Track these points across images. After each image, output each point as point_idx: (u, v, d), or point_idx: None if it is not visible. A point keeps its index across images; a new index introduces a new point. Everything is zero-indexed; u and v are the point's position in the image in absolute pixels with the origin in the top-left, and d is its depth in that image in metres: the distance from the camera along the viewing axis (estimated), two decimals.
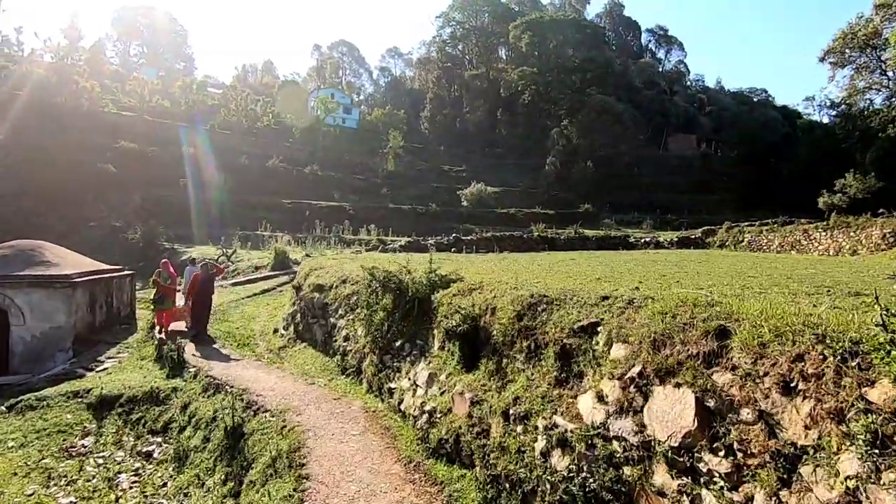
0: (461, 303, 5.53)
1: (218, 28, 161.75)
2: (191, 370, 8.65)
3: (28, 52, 50.33)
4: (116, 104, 48.30)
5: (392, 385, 6.25)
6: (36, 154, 35.74)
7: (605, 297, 3.77)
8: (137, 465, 6.65)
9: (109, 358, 10.76)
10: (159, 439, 7.25)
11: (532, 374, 3.91)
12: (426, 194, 52.66)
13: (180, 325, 12.31)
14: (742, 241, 28.07)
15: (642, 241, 30.23)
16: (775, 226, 27.86)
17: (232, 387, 7.32)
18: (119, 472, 6.43)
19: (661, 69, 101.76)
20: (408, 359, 6.27)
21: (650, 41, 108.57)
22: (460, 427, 4.33)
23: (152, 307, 12.92)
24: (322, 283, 10.27)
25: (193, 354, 10.38)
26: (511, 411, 3.84)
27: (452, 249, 20.91)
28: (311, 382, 7.58)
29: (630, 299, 3.52)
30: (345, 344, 8.28)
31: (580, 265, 11.44)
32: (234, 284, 18.04)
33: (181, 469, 6.23)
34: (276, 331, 11.87)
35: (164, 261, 13.67)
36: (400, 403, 5.85)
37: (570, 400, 3.42)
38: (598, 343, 3.48)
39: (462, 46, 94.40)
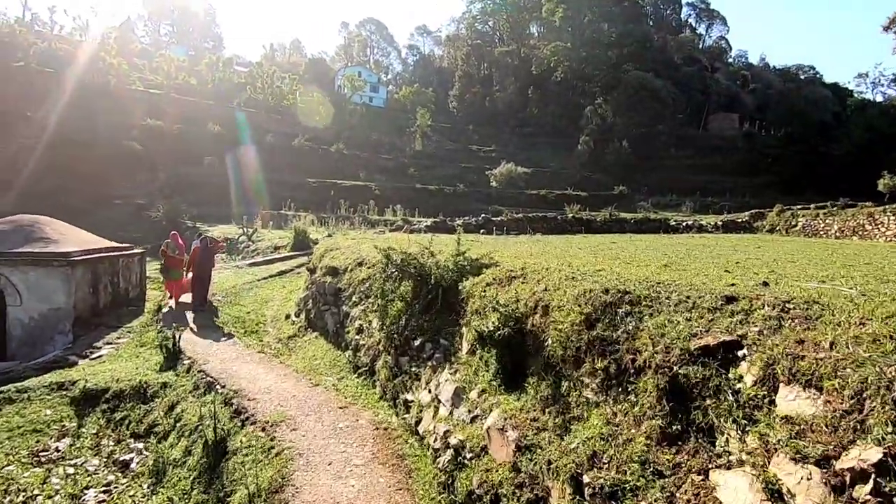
0: (499, 296, 4.24)
1: (247, 7, 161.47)
2: (185, 362, 7.63)
3: (57, 30, 50.43)
4: (144, 82, 48.05)
5: (409, 397, 5.04)
6: (64, 131, 35.63)
7: (731, 299, 2.43)
8: (111, 477, 5.64)
9: (108, 344, 9.88)
10: (141, 445, 6.23)
11: (615, 414, 2.62)
12: (454, 174, 51.24)
13: (189, 297, 12.38)
14: (795, 225, 25.87)
15: (684, 224, 28.30)
16: (834, 209, 25.54)
17: (224, 386, 6.23)
18: (87, 487, 5.43)
19: (701, 45, 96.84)
20: (429, 363, 5.02)
21: (690, 15, 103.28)
22: (500, 482, 3.06)
23: (162, 278, 13.61)
24: (336, 266, 9.10)
25: (195, 333, 9.40)
26: (586, 478, 2.54)
27: (481, 231, 19.56)
28: (316, 383, 6.43)
29: (783, 304, 2.18)
30: (357, 337, 7.10)
31: (628, 249, 10.02)
32: (252, 265, 17.14)
33: (157, 487, 5.17)
34: (287, 317, 10.81)
35: (172, 233, 13.95)
36: (418, 424, 4.63)
37: (698, 478, 2.11)
38: (740, 377, 2.15)
39: (492, 22, 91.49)
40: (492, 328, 3.76)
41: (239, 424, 5.26)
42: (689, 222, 28.80)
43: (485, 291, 4.78)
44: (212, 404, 5.50)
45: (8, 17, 45.68)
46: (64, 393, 7.57)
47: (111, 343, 9.96)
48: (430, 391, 4.69)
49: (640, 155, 54.71)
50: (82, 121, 37.74)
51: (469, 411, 3.83)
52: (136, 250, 13.77)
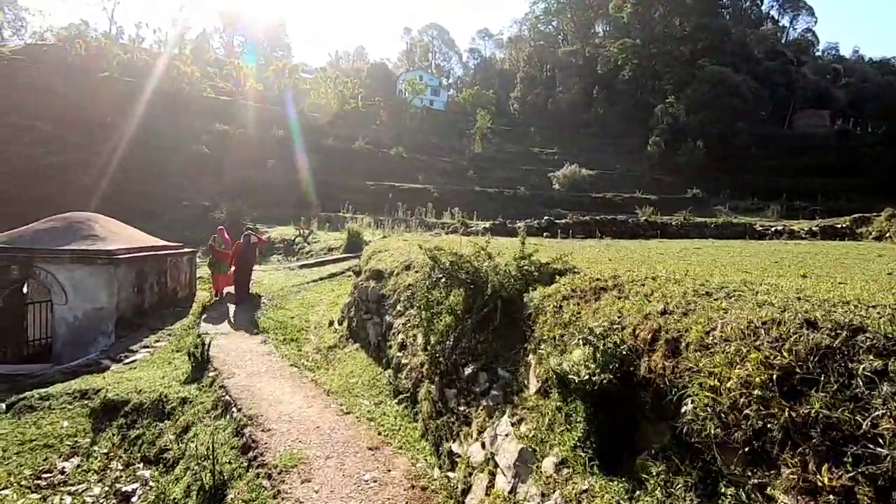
0: (585, 316, 2.94)
1: (315, 18, 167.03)
2: (210, 374, 6.79)
3: (140, 42, 53.49)
4: (215, 89, 49.94)
5: (455, 447, 3.83)
6: (139, 136, 37.35)
7: None
8: None
9: (145, 347, 9.34)
10: (148, 473, 5.38)
11: None
12: (514, 177, 49.71)
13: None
14: None
15: (772, 229, 25.39)
16: None
17: (240, 409, 5.26)
18: None
19: (785, 38, 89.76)
20: (482, 401, 3.78)
21: (773, 7, 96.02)
22: None
23: (210, 271, 13.68)
24: (381, 269, 8.04)
25: (232, 327, 8.63)
26: None
27: (545, 234, 18.05)
28: (348, 410, 5.33)
29: None
30: (399, 354, 5.96)
31: (723, 256, 8.38)
32: (302, 267, 16.56)
33: None
34: (331, 323, 9.89)
35: (220, 227, 14.40)
36: (465, 494, 3.38)
37: None
38: None
39: (556, 22, 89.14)
40: (580, 371, 2.47)
41: (244, 465, 4.24)
42: (778, 228, 25.81)
43: (561, 307, 3.48)
44: (218, 433, 4.50)
45: (97, 32, 48.87)
46: (85, 403, 6.93)
47: (148, 346, 9.40)
48: (483, 445, 3.45)
49: (717, 155, 50.79)
50: (156, 127, 39.45)
51: (542, 494, 2.55)
52: (185, 249, 13.38)
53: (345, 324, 9.03)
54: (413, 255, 7.91)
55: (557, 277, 4.25)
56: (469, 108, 63.85)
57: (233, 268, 12.31)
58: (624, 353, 2.39)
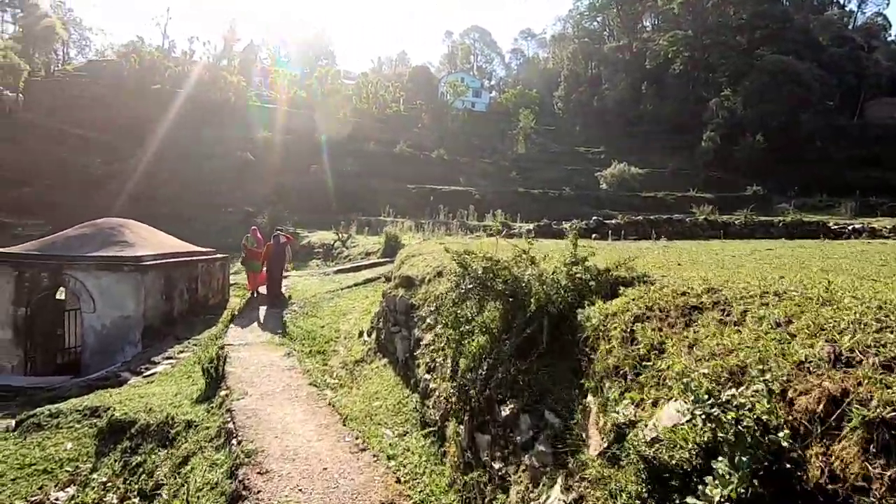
0: (678, 351, 1.97)
1: (358, 25, 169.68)
2: (222, 393, 6.12)
3: (191, 55, 55.29)
4: (260, 98, 50.92)
5: None
6: (186, 144, 38.33)
7: None
8: None
9: (168, 358, 8.87)
10: None
11: None
12: (559, 178, 48.15)
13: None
14: None
15: (849, 228, 23.07)
16: None
17: (241, 441, 4.50)
18: None
19: (852, 24, 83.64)
20: (525, 457, 2.84)
21: None
22: None
23: (244, 270, 14.33)
24: (411, 276, 7.21)
25: (260, 326, 7.98)
26: None
27: (593, 235, 16.80)
28: (363, 445, 4.48)
29: None
30: (427, 377, 5.09)
31: (809, 259, 7.09)
32: (338, 272, 16.00)
33: None
34: (361, 334, 9.14)
35: (253, 227, 14.89)
36: None
37: None
38: None
39: (601, 18, 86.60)
40: (678, 450, 1.48)
41: None
42: (856, 226, 23.42)
43: (632, 332, 2.51)
44: (211, 472, 3.74)
45: (151, 47, 50.82)
46: (93, 421, 6.42)
47: (171, 358, 8.93)
48: None
49: (778, 150, 47.40)
50: (204, 135, 40.40)
51: None
52: (217, 255, 13.02)
53: (374, 335, 8.25)
54: (446, 260, 7.04)
55: (622, 289, 3.26)
56: (512, 109, 62.65)
57: (265, 268, 12.80)
58: (784, 444, 1.39)
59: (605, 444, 2.26)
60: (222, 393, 6.15)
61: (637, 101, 69.32)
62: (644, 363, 2.30)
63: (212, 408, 5.91)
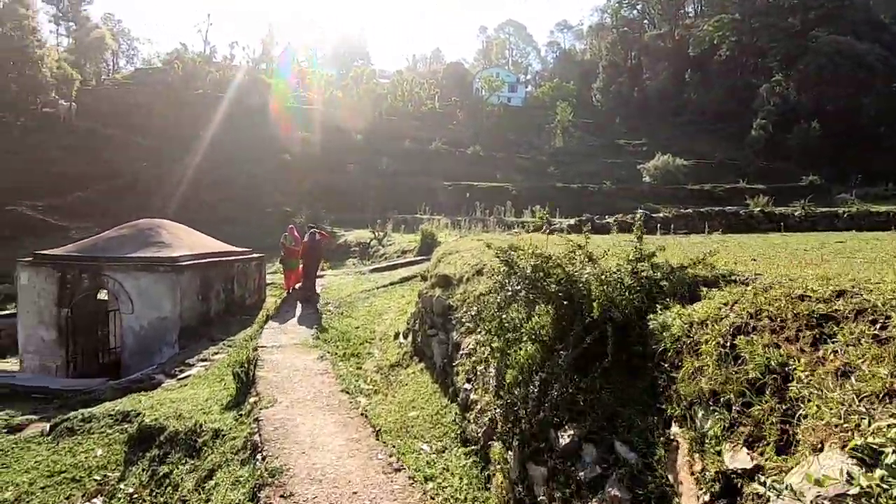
0: (824, 383, 1.41)
1: (393, 25, 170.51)
2: (251, 400, 5.83)
3: (231, 60, 56.62)
4: (298, 99, 51.59)
5: None
6: (227, 146, 39.13)
7: None
8: None
9: (202, 360, 8.72)
10: None
11: None
12: (598, 171, 46.79)
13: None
14: None
15: None
16: None
17: (265, 458, 4.14)
18: None
19: None
20: (593, 501, 2.30)
21: None
22: None
23: (282, 268, 14.75)
24: (449, 275, 6.75)
25: (295, 322, 7.69)
26: None
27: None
28: (398, 465, 4.03)
29: None
30: (468, 388, 4.61)
31: None
32: (374, 271, 15.71)
33: None
34: (396, 336, 8.75)
35: (290, 226, 15.20)
36: None
37: None
38: None
39: (641, 6, 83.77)
40: None
41: None
42: None
43: (734, 346, 1.95)
44: (233, 492, 3.37)
45: (193, 53, 52.29)
46: (124, 427, 6.25)
47: (206, 360, 8.77)
48: None
49: (836, 136, 44.55)
50: (243, 137, 41.17)
51: None
52: (254, 255, 12.91)
53: (410, 338, 7.83)
54: (486, 257, 6.53)
55: (704, 290, 2.67)
56: (548, 102, 61.39)
57: (301, 264, 13.07)
58: None
59: (707, 498, 1.72)
60: (251, 399, 5.84)
61: (680, 91, 66.75)
62: (758, 391, 1.74)
63: (241, 415, 5.61)
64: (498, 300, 3.38)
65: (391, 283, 14.04)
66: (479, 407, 4.17)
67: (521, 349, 3.30)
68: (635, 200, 38.72)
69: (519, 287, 3.18)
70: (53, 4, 50.17)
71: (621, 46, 76.80)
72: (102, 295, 11.37)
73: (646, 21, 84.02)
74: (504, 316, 3.34)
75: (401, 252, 19.34)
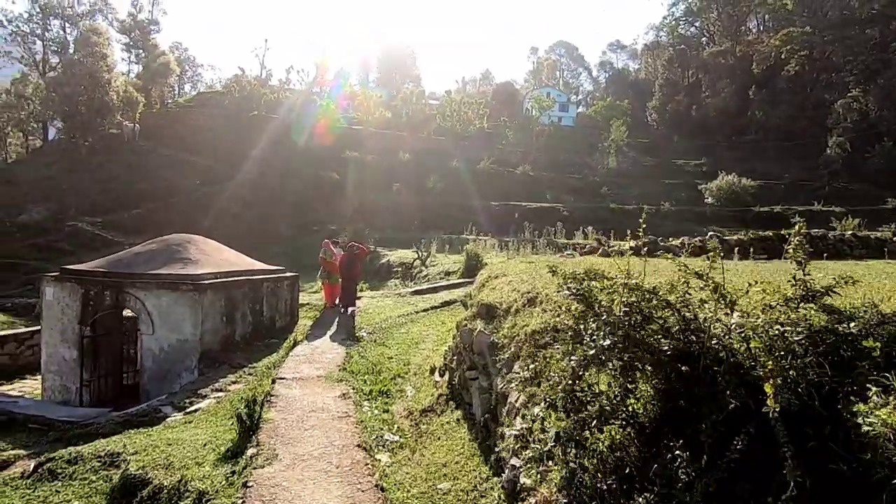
0: None
1: (443, 48, 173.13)
2: (249, 451, 4.79)
3: (287, 83, 58.20)
4: (348, 120, 52.17)
5: None
6: (278, 166, 39.68)
7: None
8: None
9: (217, 391, 7.82)
10: None
11: None
12: (655, 192, 44.45)
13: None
14: None
15: None
16: None
17: None
18: None
19: None
20: None
21: None
22: None
23: (321, 282, 15.32)
24: (493, 304, 5.58)
25: (317, 364, 6.67)
26: None
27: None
28: None
29: None
30: (517, 465, 3.37)
31: None
32: (414, 293, 14.67)
33: None
34: (433, 371, 7.58)
35: (325, 240, 15.38)
36: None
37: None
38: None
39: (699, 23, 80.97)
40: None
41: None
42: None
43: None
44: None
45: (250, 76, 54.08)
46: (110, 473, 5.33)
47: (221, 390, 7.87)
48: None
49: None
50: (293, 156, 41.72)
51: None
52: (286, 274, 12.13)
53: (446, 376, 6.63)
54: (540, 283, 5.32)
55: None
56: (601, 122, 59.54)
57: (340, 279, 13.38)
58: None
59: None
60: (249, 452, 4.80)
61: (743, 109, 63.32)
62: None
63: (233, 473, 4.56)
64: (571, 363, 2.15)
65: (432, 307, 12.95)
66: (536, 500, 2.92)
67: (602, 436, 2.06)
68: (696, 223, 36.34)
69: (606, 342, 1.95)
70: (126, 34, 53.42)
71: (678, 64, 74.10)
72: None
73: (704, 38, 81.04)
74: (578, 387, 2.11)
75: (444, 274, 18.27)
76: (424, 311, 12.68)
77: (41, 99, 39.86)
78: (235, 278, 10.18)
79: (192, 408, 7.18)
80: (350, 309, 12.47)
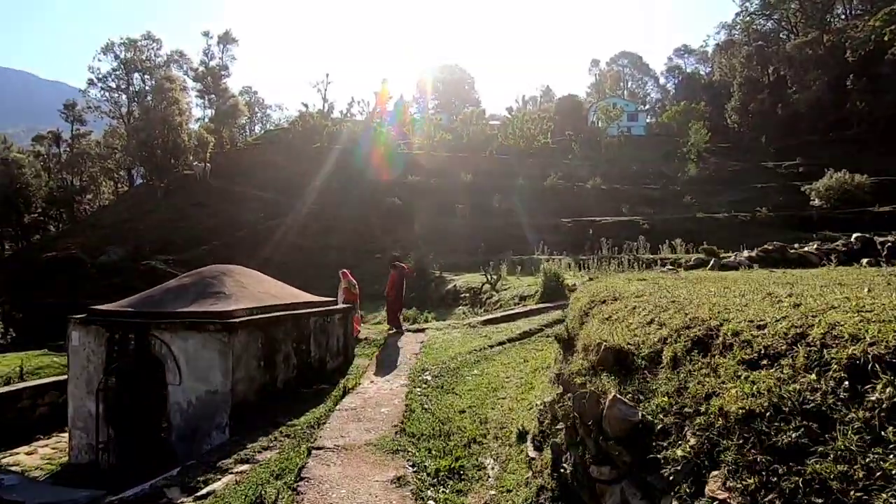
0: None
1: (501, 70, 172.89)
2: None
3: (349, 115, 59.06)
4: (408, 145, 51.71)
5: None
6: (341, 195, 39.32)
7: None
8: None
9: (241, 461, 6.07)
10: None
11: None
12: (746, 199, 40.09)
13: None
14: None
15: None
16: None
17: None
18: None
19: None
20: None
21: None
22: None
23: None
24: (624, 348, 3.38)
25: (365, 420, 4.74)
26: None
27: (864, 261, 11.01)
28: None
29: None
30: None
31: None
32: (485, 323, 12.56)
33: None
34: (521, 437, 5.46)
35: (343, 271, 14.51)
36: None
37: None
38: None
39: (778, 16, 74.90)
40: None
41: None
42: None
43: None
44: None
45: (313, 110, 55.27)
46: None
47: (247, 460, 6.12)
48: None
49: None
50: (354, 185, 41.34)
51: None
52: (338, 306, 10.45)
53: (546, 453, 4.43)
54: (705, 310, 3.13)
55: None
56: (676, 128, 55.50)
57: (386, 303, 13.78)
58: None
59: None
60: None
61: (839, 101, 56.99)
62: None
63: None
64: None
65: (509, 340, 10.79)
66: None
67: None
68: (801, 230, 31.79)
69: None
70: (199, 81, 56.48)
71: (758, 61, 68.38)
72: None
73: (783, 32, 74.79)
74: None
75: (518, 298, 16.05)
76: (500, 344, 10.56)
77: (123, 146, 42.20)
78: (276, 314, 8.55)
79: (205, 489, 5.42)
80: (397, 333, 12.57)
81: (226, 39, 57.23)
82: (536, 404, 5.68)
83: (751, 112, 62.89)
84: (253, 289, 9.08)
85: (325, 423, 6.85)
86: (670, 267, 14.76)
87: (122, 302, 9.25)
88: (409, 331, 12.81)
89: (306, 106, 57.55)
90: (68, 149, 51.57)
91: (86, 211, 48.95)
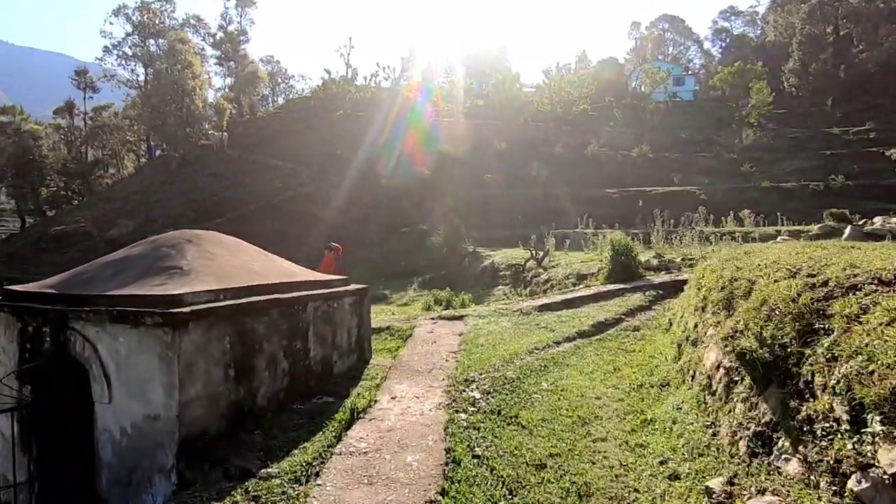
0: None
1: (534, 38, 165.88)
2: None
3: (375, 81, 55.76)
4: (437, 113, 48.38)
5: None
6: (366, 166, 36.57)
7: None
8: None
9: None
10: None
11: None
12: (813, 167, 35.89)
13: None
14: None
15: None
16: None
17: None
18: None
19: None
20: None
21: None
22: None
23: None
24: None
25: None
26: None
27: None
28: None
29: None
30: None
31: None
32: (541, 309, 9.66)
33: None
34: None
35: (336, 245, 13.55)
36: None
37: None
38: None
39: None
40: None
41: None
42: None
43: None
44: None
45: (336, 76, 52.13)
46: None
47: None
48: None
49: None
50: (382, 155, 38.51)
51: None
52: (347, 287, 7.67)
53: None
54: None
55: None
56: (728, 92, 50.60)
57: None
58: None
59: None
60: None
61: None
62: None
63: None
64: None
65: (579, 335, 7.90)
66: None
67: None
68: (886, 200, 27.75)
69: None
70: (217, 48, 53.95)
71: (820, 17, 61.98)
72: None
73: None
74: None
75: (575, 278, 13.06)
76: (569, 340, 7.68)
77: (138, 115, 40.21)
78: (255, 298, 5.80)
79: None
80: None
81: (244, 2, 54.37)
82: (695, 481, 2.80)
83: (811, 74, 57.19)
84: (224, 262, 6.35)
85: (315, 481, 4.15)
86: (787, 237, 11.54)
87: (49, 280, 6.67)
88: (442, 318, 10.02)
89: (328, 72, 54.44)
90: (90, 121, 50.14)
91: (106, 185, 47.56)
